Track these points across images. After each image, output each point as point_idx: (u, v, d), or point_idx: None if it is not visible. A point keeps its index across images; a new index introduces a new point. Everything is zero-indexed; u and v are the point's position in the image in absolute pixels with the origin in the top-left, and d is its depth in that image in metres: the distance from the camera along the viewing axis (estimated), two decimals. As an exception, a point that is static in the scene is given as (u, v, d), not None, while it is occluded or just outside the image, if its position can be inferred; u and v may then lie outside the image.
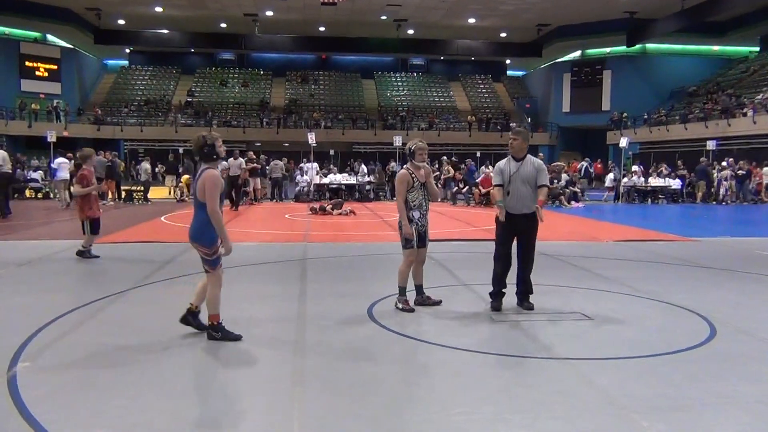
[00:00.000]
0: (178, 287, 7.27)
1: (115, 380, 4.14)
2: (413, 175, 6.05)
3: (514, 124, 41.41)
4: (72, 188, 13.45)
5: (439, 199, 6.54)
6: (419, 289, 6.30)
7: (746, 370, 4.43)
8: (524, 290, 6.21)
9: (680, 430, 3.43)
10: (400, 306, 6.08)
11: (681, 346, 4.95)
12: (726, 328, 5.49)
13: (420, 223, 6.08)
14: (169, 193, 24.54)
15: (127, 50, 46.14)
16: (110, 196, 21.39)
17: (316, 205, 18.07)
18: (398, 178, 6.08)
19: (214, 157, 5.02)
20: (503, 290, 6.21)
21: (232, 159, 18.52)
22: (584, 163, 26.35)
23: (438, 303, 6.24)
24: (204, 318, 5.17)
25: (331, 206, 17.53)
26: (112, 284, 7.24)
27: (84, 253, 9.12)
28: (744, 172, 23.50)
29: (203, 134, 5.07)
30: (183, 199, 22.26)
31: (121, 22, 38.36)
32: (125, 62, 47.50)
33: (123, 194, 21.68)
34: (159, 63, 46.86)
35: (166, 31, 40.05)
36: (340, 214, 17.06)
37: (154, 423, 3.49)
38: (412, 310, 6.02)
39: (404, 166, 6.18)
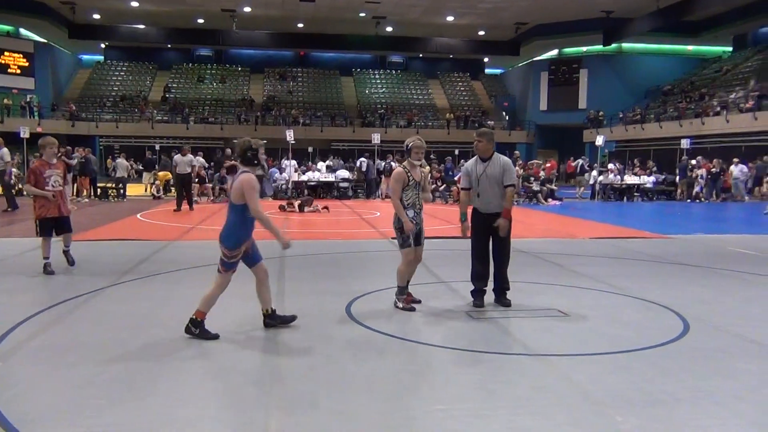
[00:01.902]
0: (155, 285, 7.20)
1: (90, 379, 4.09)
2: (409, 173, 5.97)
3: (492, 122, 41.69)
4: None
5: (431, 200, 6.43)
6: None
7: (719, 365, 4.50)
8: (501, 287, 6.25)
9: (654, 425, 3.47)
10: (400, 305, 6.04)
11: (655, 341, 5.01)
12: (699, 324, 5.57)
13: (415, 222, 6.01)
14: (146, 190, 24.28)
15: (103, 45, 45.52)
16: (85, 193, 21.12)
17: (285, 203, 17.91)
18: (394, 176, 5.99)
19: (255, 162, 5.16)
20: (484, 288, 6.24)
21: (179, 155, 16.98)
22: (580, 161, 26.68)
23: (418, 302, 6.22)
24: (280, 312, 5.40)
25: (298, 203, 17.37)
26: (87, 283, 7.15)
27: (64, 257, 8.20)
28: (718, 170, 23.88)
29: (249, 139, 5.21)
30: (159, 197, 22.04)
31: (97, 16, 37.81)
32: (100, 57, 46.83)
33: (98, 191, 21.40)
34: (135, 58, 46.28)
35: (142, 26, 39.58)
36: (311, 211, 16.95)
37: (130, 422, 3.45)
38: (412, 309, 5.99)
39: (401, 164, 6.10)
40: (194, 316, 5.05)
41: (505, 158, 6.23)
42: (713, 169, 23.82)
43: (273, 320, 5.35)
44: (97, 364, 4.40)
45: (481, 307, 6.11)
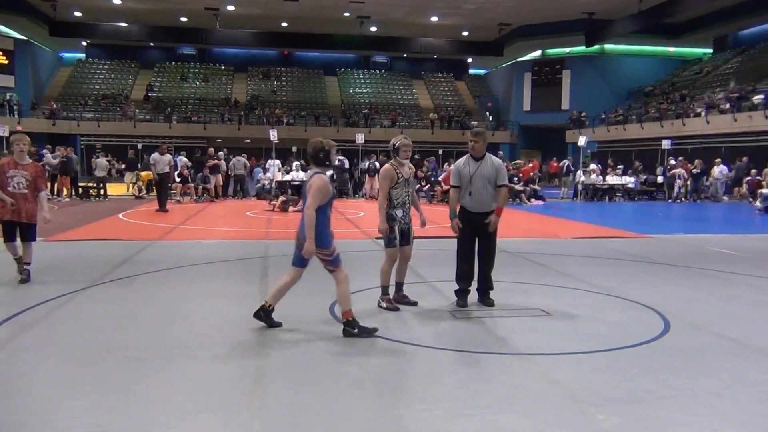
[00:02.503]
0: (137, 285, 7.15)
1: (71, 381, 4.05)
2: (398, 171, 5.96)
3: (476, 122, 41.80)
4: None
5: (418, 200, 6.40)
6: (399, 286, 6.25)
7: (699, 363, 4.56)
8: (485, 287, 6.28)
9: (635, 423, 3.51)
10: (384, 305, 6.02)
11: (637, 340, 5.06)
12: (679, 323, 5.63)
13: (403, 221, 6.00)
14: (128, 189, 24.08)
15: (84, 43, 44.97)
16: (65, 192, 20.90)
17: (269, 202, 17.82)
18: (382, 174, 5.96)
19: (327, 163, 5.19)
20: (469, 288, 6.27)
21: (157, 154, 16.54)
22: (566, 162, 26.94)
23: (414, 304, 6.18)
24: (277, 316, 5.38)
25: (281, 202, 17.28)
26: (68, 283, 7.07)
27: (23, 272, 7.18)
28: (698, 171, 24.14)
29: (321, 140, 5.22)
30: (142, 196, 21.86)
31: (78, 13, 37.39)
32: (82, 55, 46.30)
33: (80, 191, 21.18)
34: (117, 57, 45.81)
35: (124, 24, 39.18)
36: (296, 211, 16.88)
37: (112, 424, 3.42)
38: (396, 309, 5.98)
39: (389, 162, 6.09)
40: (345, 318, 5.14)
41: (497, 159, 6.29)
42: (694, 170, 24.09)
43: (267, 317, 5.37)
44: (79, 365, 4.36)
45: (464, 307, 6.14)
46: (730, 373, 4.35)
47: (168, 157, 17.02)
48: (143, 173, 22.59)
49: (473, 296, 6.31)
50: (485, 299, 6.25)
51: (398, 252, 6.04)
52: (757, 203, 18.86)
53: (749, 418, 3.60)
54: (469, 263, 6.22)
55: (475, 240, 6.21)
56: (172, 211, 16.38)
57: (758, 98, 26.83)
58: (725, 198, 24.02)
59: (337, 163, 23.93)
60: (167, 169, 16.73)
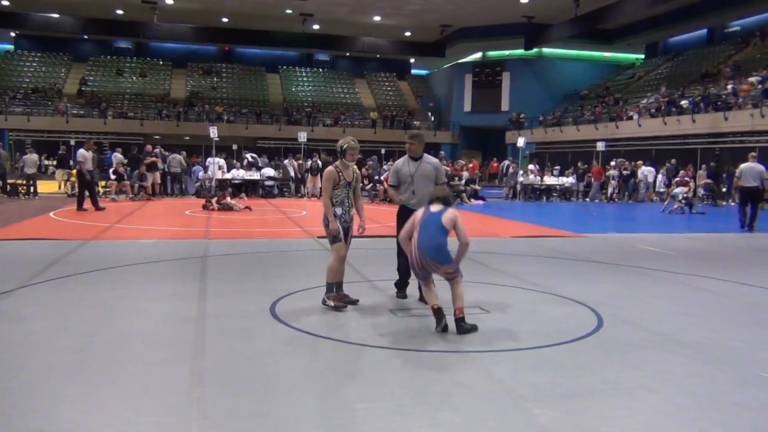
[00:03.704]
0: (69, 286, 6.90)
1: (-4, 387, 3.88)
2: (340, 173, 6.03)
3: (417, 122, 42.18)
4: None
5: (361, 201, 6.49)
6: (339, 285, 6.21)
7: (629, 357, 4.73)
8: None
9: (568, 416, 3.61)
10: (331, 303, 5.98)
11: (571, 336, 5.21)
12: (612, 319, 5.83)
13: (343, 219, 6.05)
14: (59, 187, 23.21)
15: (13, 34, 43.08)
16: (-8, 189, 19.99)
17: (206, 201, 17.39)
18: (325, 176, 6.02)
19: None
20: (407, 281, 6.56)
21: (82, 150, 15.96)
22: (507, 162, 27.59)
23: (355, 302, 6.16)
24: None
25: (216, 201, 16.97)
26: (-6, 284, 6.77)
27: None
28: (629, 172, 25.04)
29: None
30: (74, 194, 21.09)
31: (6, 2, 35.80)
32: (10, 47, 44.33)
33: (7, 188, 20.28)
34: (48, 49, 44.03)
35: (56, 15, 37.73)
36: (229, 209, 16.59)
37: (42, 430, 3.30)
38: (343, 307, 5.96)
39: (333, 164, 6.12)
40: (459, 315, 5.27)
41: (435, 159, 6.74)
42: (624, 171, 24.98)
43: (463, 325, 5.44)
44: (8, 370, 4.18)
45: (404, 299, 6.46)
46: (658, 366, 4.53)
47: (90, 153, 16.28)
48: (76, 171, 21.80)
49: (412, 290, 6.53)
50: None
51: (344, 248, 6.06)
52: (667, 204, 19.67)
53: (677, 410, 3.76)
54: (407, 258, 6.34)
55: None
56: (106, 209, 15.87)
57: (685, 102, 28.05)
58: (654, 198, 24.99)
59: (250, 159, 23.98)
60: (91, 167, 16.05)
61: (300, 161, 24.71)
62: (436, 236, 5.34)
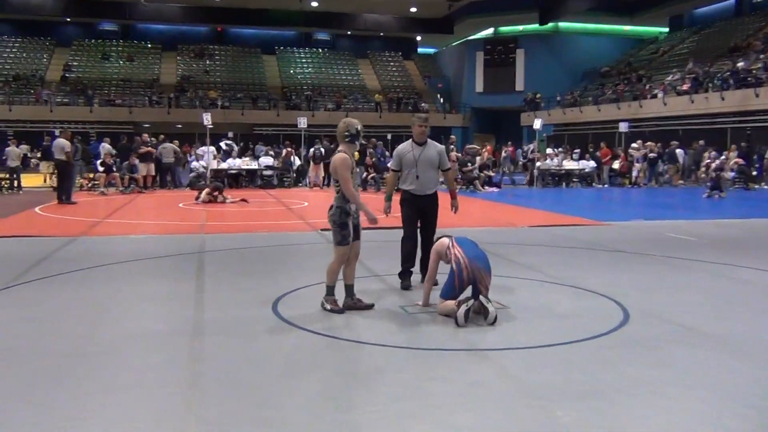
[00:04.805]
0: (55, 286, 6.94)
1: (-18, 394, 3.91)
2: (352, 160, 5.81)
3: (425, 105, 42.05)
4: None
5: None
6: (350, 289, 6.00)
7: (657, 354, 4.72)
8: (426, 265, 6.77)
9: (593, 417, 3.61)
10: (328, 307, 5.79)
11: (595, 332, 5.21)
12: (637, 312, 5.82)
13: (355, 215, 5.82)
14: (45, 181, 23.30)
15: (-10, 18, 43.22)
16: (-27, 184, 20.09)
17: (201, 193, 17.30)
18: (340, 163, 5.70)
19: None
20: (411, 269, 6.84)
21: (62, 139, 16.09)
22: (531, 147, 27.49)
23: (370, 307, 5.96)
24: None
25: (206, 193, 16.91)
26: (-22, 285, 6.81)
27: None
28: (655, 155, 24.90)
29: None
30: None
31: (-18, -15, 35.89)
32: (-12, 32, 44.50)
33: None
34: (29, 33, 44.04)
35: (36, -3, 37.79)
36: (221, 202, 16.58)
37: (29, 440, 3.33)
38: (342, 311, 5.77)
39: (339, 150, 5.85)
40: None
41: (440, 144, 7.01)
42: (651, 154, 24.84)
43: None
44: (-9, 376, 4.21)
45: (408, 288, 6.69)
46: (685, 362, 4.52)
47: (65, 143, 16.40)
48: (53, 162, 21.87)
49: (417, 279, 6.82)
50: None
51: (350, 250, 5.87)
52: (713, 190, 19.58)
53: (705, 407, 3.75)
54: (414, 243, 6.86)
55: (418, 222, 6.88)
56: (95, 203, 15.94)
57: (715, 80, 27.82)
58: (681, 182, 24.87)
59: (225, 147, 24.04)
60: (62, 156, 16.18)
61: (289, 149, 24.58)
62: (479, 249, 5.73)
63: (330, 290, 5.90)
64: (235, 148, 25.39)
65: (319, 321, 5.53)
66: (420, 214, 6.86)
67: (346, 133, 5.84)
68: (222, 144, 24.95)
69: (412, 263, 6.87)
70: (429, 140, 6.85)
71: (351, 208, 5.80)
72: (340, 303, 5.89)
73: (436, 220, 6.98)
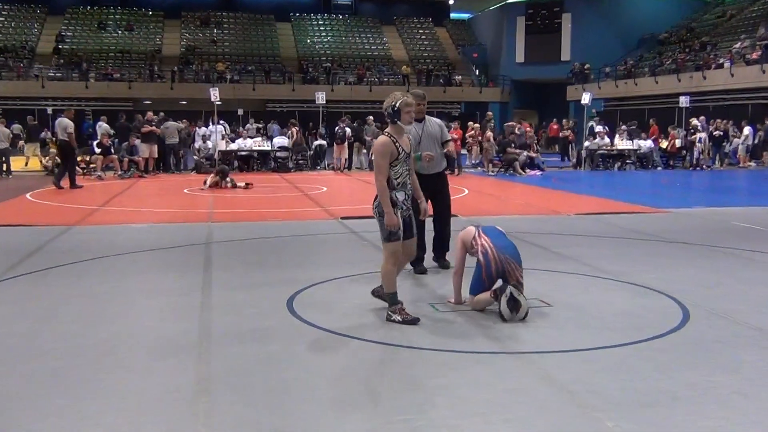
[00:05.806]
0: (50, 280, 7.05)
1: (-28, 397, 3.99)
2: (397, 144, 5.43)
3: (459, 77, 41.83)
4: None
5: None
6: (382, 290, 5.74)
7: (721, 357, 4.67)
8: (440, 246, 7.56)
9: (649, 428, 3.58)
10: (398, 318, 5.40)
11: (650, 333, 5.16)
12: (700, 311, 5.75)
13: (404, 207, 5.57)
14: (26, 164, 23.59)
15: (-25, -16, 43.82)
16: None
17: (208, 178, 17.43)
18: (379, 149, 5.45)
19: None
20: (422, 254, 7.23)
21: (66, 119, 16.43)
22: (593, 123, 27.12)
23: (415, 321, 5.45)
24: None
25: (211, 178, 16.98)
26: (-35, 279, 6.95)
27: None
28: (721, 133, 24.51)
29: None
30: (53, 171, 21.45)
31: (-33, -53, 36.36)
32: (-27, 0, 45.14)
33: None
34: (17, 1, 44.64)
35: (26, -39, 38.23)
36: (233, 186, 16.66)
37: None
38: (415, 321, 5.41)
39: (385, 132, 5.61)
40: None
41: (437, 119, 7.64)
42: (716, 132, 24.46)
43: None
44: (-19, 378, 4.30)
45: (423, 273, 7.20)
46: (754, 367, 4.47)
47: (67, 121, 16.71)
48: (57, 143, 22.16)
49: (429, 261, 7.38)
50: (441, 260, 7.56)
51: (401, 247, 5.60)
52: None
53: (779, 419, 3.71)
54: (422, 230, 7.07)
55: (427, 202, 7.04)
56: (92, 189, 16.14)
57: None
58: (751, 164, 24.47)
59: (219, 127, 23.97)
60: (65, 137, 16.48)
61: (296, 128, 24.31)
62: (507, 239, 5.81)
63: (392, 298, 5.53)
64: (227, 128, 25.30)
65: (339, 320, 5.55)
66: (430, 194, 7.01)
67: (385, 112, 5.53)
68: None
69: (423, 249, 7.21)
70: (426, 116, 7.37)
71: (398, 198, 5.52)
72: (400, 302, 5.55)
73: (449, 198, 7.67)
